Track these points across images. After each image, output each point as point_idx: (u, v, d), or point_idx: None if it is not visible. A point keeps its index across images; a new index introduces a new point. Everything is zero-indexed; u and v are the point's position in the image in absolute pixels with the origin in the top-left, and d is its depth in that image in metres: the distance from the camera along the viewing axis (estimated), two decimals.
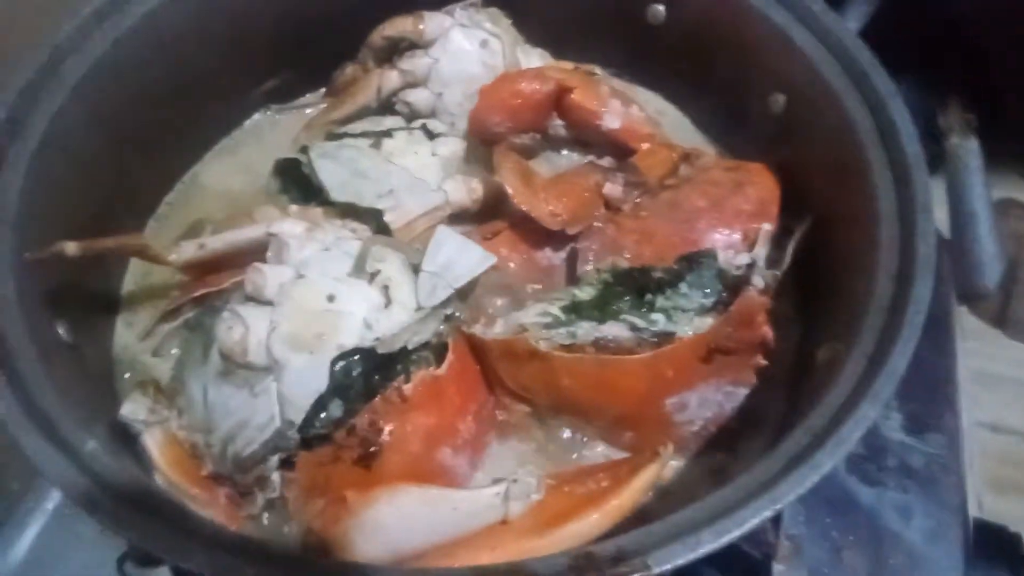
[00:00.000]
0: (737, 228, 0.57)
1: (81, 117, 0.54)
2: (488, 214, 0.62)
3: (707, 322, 0.52)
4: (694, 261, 0.54)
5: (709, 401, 0.52)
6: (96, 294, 0.57)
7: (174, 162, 0.66)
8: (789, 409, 0.54)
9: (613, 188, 0.59)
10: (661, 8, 0.66)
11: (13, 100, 0.50)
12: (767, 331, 0.51)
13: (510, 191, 0.57)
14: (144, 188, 0.63)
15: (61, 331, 0.49)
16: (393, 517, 0.45)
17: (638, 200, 0.60)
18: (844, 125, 0.53)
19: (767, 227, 0.57)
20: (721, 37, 0.63)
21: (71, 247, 0.48)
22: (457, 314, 0.54)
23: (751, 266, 0.53)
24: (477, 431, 0.54)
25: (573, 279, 0.58)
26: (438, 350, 0.53)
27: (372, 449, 0.49)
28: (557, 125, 0.65)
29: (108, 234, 0.52)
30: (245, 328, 0.48)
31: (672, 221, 0.58)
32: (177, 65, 0.60)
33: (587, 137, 0.65)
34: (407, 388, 0.49)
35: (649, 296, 0.54)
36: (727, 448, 0.54)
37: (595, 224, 0.58)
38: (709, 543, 0.36)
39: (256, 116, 0.70)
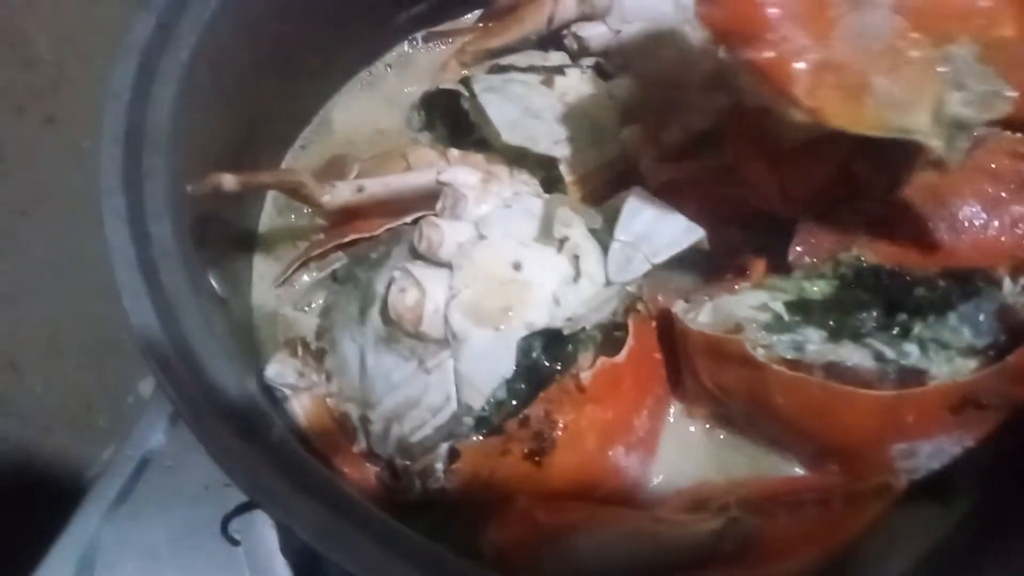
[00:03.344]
0: (1007, 247, 0.45)
1: (230, 27, 0.46)
2: None
3: (969, 365, 0.41)
4: (968, 283, 0.43)
5: (943, 453, 0.43)
6: (233, 237, 0.51)
7: (314, 90, 0.59)
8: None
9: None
10: None
11: (164, 2, 0.43)
12: None
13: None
14: (282, 117, 0.56)
15: (213, 282, 0.43)
16: (589, 548, 0.39)
17: None
18: None
19: None
20: None
21: (229, 180, 0.41)
22: (635, 292, 0.47)
23: None
24: (651, 428, 0.47)
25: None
26: (606, 329, 0.46)
27: (544, 444, 0.42)
28: None
29: (245, 168, 0.45)
30: (421, 292, 0.41)
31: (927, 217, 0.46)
32: None
33: None
34: (585, 376, 0.43)
35: (903, 316, 0.43)
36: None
37: None
38: None
39: (402, 47, 0.62)
